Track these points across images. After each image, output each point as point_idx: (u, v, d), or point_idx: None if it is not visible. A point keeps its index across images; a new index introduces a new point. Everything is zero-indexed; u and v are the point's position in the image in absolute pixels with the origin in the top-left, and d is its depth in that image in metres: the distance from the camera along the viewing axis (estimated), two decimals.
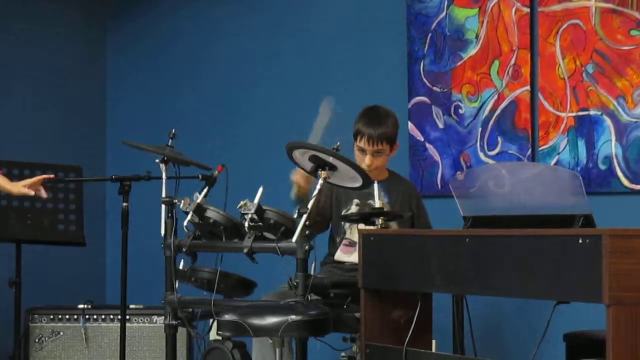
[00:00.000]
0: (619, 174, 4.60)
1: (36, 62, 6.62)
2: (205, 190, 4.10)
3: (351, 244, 4.43)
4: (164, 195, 4.18)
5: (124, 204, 4.69)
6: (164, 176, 4.23)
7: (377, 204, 4.03)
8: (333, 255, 4.48)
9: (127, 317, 5.01)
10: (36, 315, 5.46)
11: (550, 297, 3.22)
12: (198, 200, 4.03)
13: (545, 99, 4.84)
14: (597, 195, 4.53)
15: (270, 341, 3.87)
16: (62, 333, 5.45)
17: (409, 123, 5.34)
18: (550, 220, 3.35)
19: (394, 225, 4.26)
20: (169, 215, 4.16)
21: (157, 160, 4.27)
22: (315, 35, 5.90)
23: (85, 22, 6.95)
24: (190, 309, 4.16)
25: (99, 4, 7.00)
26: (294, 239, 3.80)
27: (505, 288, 3.35)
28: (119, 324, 4.97)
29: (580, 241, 3.04)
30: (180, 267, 4.18)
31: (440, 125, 5.24)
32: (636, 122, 4.55)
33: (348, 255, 4.43)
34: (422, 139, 5.30)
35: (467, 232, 3.53)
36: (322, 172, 3.91)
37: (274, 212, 3.88)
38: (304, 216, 3.78)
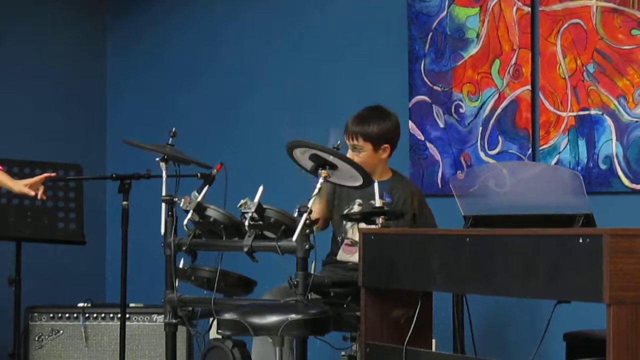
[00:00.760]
0: (620, 173, 4.59)
1: (36, 61, 6.62)
2: (204, 189, 4.10)
3: (353, 243, 4.42)
4: (164, 193, 4.18)
5: (124, 202, 4.69)
6: (164, 175, 4.23)
7: (378, 203, 4.03)
8: (335, 255, 4.48)
9: (127, 315, 5.02)
10: (36, 314, 5.45)
11: (550, 296, 3.22)
12: (198, 199, 4.02)
13: (546, 99, 4.84)
14: (598, 194, 4.53)
15: (270, 340, 3.87)
16: (61, 331, 5.44)
17: (410, 122, 5.34)
18: (551, 219, 3.35)
19: (392, 225, 4.25)
20: (169, 213, 4.16)
21: (157, 159, 4.27)
22: (316, 34, 5.90)
23: (85, 21, 6.94)
24: (190, 308, 4.16)
25: (99, 3, 7.00)
26: (294, 237, 3.80)
27: (506, 287, 3.35)
28: (118, 323, 4.97)
29: (580, 241, 3.04)
30: (180, 265, 4.18)
31: (441, 125, 5.23)
32: (637, 121, 4.55)
33: (350, 255, 4.43)
34: (423, 138, 5.30)
35: (467, 232, 3.53)
36: (323, 171, 3.91)
37: (274, 210, 3.88)
38: (304, 215, 3.78)
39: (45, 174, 4.59)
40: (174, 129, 4.37)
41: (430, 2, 5.27)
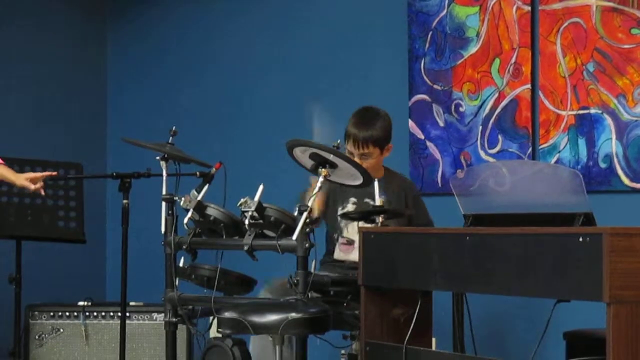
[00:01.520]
0: (620, 172, 4.60)
1: (37, 60, 6.62)
2: (204, 188, 4.10)
3: (349, 242, 4.44)
4: (164, 192, 4.18)
5: (125, 201, 4.69)
6: (164, 173, 4.23)
7: (377, 201, 4.03)
8: (332, 254, 4.48)
9: (127, 314, 5.02)
10: (36, 312, 5.46)
11: (550, 295, 3.22)
12: (198, 198, 4.03)
13: (546, 97, 4.84)
14: (598, 193, 4.53)
15: (270, 339, 3.87)
16: (62, 330, 5.45)
17: (410, 121, 5.34)
18: (551, 218, 3.35)
19: (391, 223, 4.25)
20: (169, 212, 4.16)
21: (157, 158, 4.27)
22: (316, 33, 5.90)
23: (86, 20, 6.95)
24: (191, 307, 4.16)
25: (99, 2, 7.00)
26: (294, 236, 3.80)
27: (506, 286, 3.35)
28: (119, 321, 4.97)
29: (580, 239, 3.04)
30: (181, 264, 4.18)
31: (441, 124, 5.24)
32: (636, 120, 4.55)
33: (347, 254, 4.44)
34: (423, 137, 5.30)
35: (467, 230, 3.53)
36: (323, 169, 3.91)
37: (274, 209, 3.88)
38: (305, 214, 3.79)
39: (47, 172, 4.60)
40: (174, 128, 4.37)
41: (430, 1, 5.27)
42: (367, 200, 4.39)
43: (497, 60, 5.02)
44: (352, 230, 4.42)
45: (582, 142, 4.72)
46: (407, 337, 3.67)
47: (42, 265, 6.23)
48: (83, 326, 5.43)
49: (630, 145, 4.56)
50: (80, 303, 5.47)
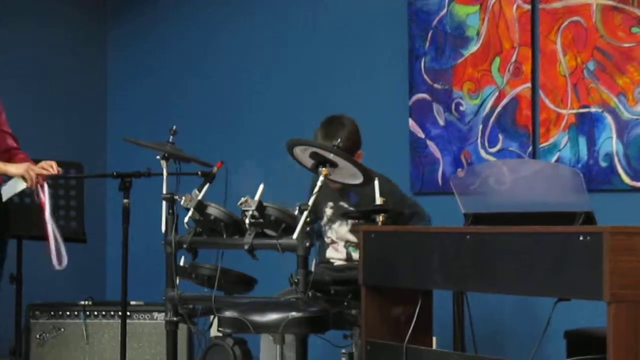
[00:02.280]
0: (620, 171, 4.60)
1: (37, 60, 6.62)
2: (204, 187, 4.10)
3: (333, 242, 4.48)
4: (164, 191, 4.18)
5: (125, 200, 4.69)
6: (164, 173, 4.23)
7: (378, 201, 4.03)
8: (320, 254, 4.52)
9: (128, 313, 5.02)
10: (37, 312, 5.46)
11: (551, 294, 3.22)
12: (199, 197, 4.03)
13: (546, 96, 4.84)
14: (598, 192, 4.53)
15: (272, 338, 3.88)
16: (62, 329, 5.45)
17: (410, 120, 5.34)
18: (551, 217, 3.35)
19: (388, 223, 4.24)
20: (170, 211, 4.16)
21: (157, 157, 4.27)
22: (316, 33, 5.90)
23: (86, 20, 6.95)
24: (191, 306, 4.16)
25: (100, 2, 7.00)
26: (295, 235, 3.80)
27: (506, 285, 3.35)
28: (119, 321, 4.97)
29: (581, 238, 3.04)
30: (181, 263, 4.18)
31: (441, 123, 5.24)
32: (637, 119, 4.55)
33: (337, 253, 4.48)
34: (423, 136, 5.30)
35: (467, 229, 3.53)
36: (323, 169, 3.91)
37: (274, 208, 3.88)
38: (305, 213, 3.79)
39: (50, 170, 4.61)
40: (174, 127, 4.37)
41: (431, 0, 5.27)
42: (341, 203, 4.43)
43: (498, 59, 5.02)
44: (333, 232, 4.46)
45: (582, 141, 4.72)
46: (407, 336, 3.67)
47: (42, 265, 6.21)
48: (84, 325, 5.44)
49: (631, 144, 4.56)
50: (81, 302, 5.47)
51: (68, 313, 5.46)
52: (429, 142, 5.28)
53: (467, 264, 3.40)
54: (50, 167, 4.59)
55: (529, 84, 4.90)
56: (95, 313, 5.46)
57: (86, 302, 5.47)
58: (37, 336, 5.44)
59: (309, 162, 3.99)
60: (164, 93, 6.67)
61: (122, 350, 4.82)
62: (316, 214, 4.48)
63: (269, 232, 3.95)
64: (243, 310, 3.70)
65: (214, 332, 4.32)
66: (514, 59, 4.95)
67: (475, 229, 3.53)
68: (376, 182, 4.05)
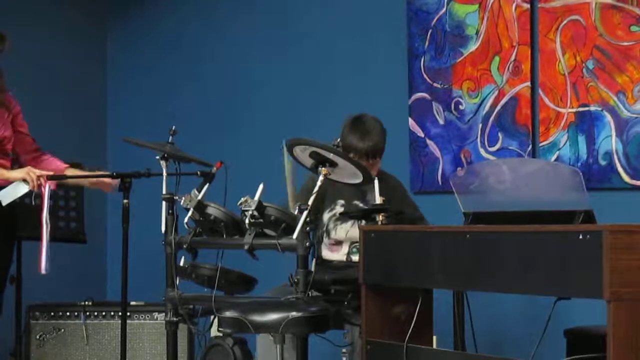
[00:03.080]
0: (620, 169, 4.60)
1: (37, 60, 6.62)
2: (204, 187, 4.10)
3: (337, 243, 4.46)
4: (164, 192, 4.18)
5: (125, 200, 4.68)
6: (164, 173, 4.23)
7: (378, 200, 4.03)
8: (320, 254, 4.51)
9: (128, 313, 5.02)
10: (37, 312, 5.46)
11: (550, 293, 3.22)
12: (198, 197, 4.03)
13: (546, 95, 4.84)
14: (598, 191, 4.53)
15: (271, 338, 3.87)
16: (62, 330, 5.45)
17: (410, 119, 5.34)
18: (551, 216, 3.35)
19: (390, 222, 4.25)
20: (170, 212, 4.16)
21: (157, 157, 4.27)
22: (316, 32, 5.90)
23: (86, 20, 6.95)
24: (191, 306, 4.16)
25: (99, 2, 7.00)
26: (295, 235, 3.80)
27: (506, 284, 3.35)
28: (119, 321, 4.96)
29: (580, 237, 3.04)
30: (181, 263, 4.18)
31: (441, 122, 5.24)
32: (636, 117, 4.55)
33: (335, 254, 4.47)
34: (423, 135, 5.30)
35: (467, 228, 3.53)
36: (323, 168, 3.91)
37: (274, 208, 3.88)
38: (305, 213, 3.79)
39: (47, 172, 4.62)
40: (173, 127, 4.37)
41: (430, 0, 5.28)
42: (355, 202, 4.41)
43: (497, 58, 5.02)
44: (340, 232, 4.45)
45: (582, 140, 4.72)
46: (407, 336, 3.67)
47: None
48: (84, 326, 5.44)
49: (630, 143, 4.56)
50: (81, 303, 5.47)
51: (68, 314, 5.46)
52: (428, 141, 5.28)
53: (467, 263, 3.40)
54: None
55: (528, 83, 4.90)
56: (96, 313, 5.46)
57: (86, 303, 5.47)
58: (37, 337, 5.44)
59: (309, 162, 3.99)
60: (163, 93, 6.67)
61: (122, 351, 4.82)
62: (316, 212, 4.48)
63: (268, 232, 3.96)
64: (243, 310, 3.70)
65: (214, 332, 4.32)
66: (513, 58, 4.95)
67: (475, 228, 3.53)
68: (376, 182, 4.05)
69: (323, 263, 4.46)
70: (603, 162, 4.64)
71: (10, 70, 6.23)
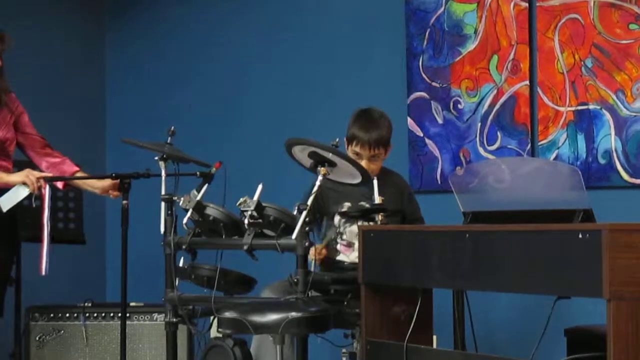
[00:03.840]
0: (619, 168, 4.60)
1: (35, 61, 6.61)
2: (203, 188, 4.10)
3: (349, 244, 4.45)
4: (163, 192, 4.18)
5: (124, 201, 4.68)
6: (163, 174, 4.23)
7: (377, 200, 4.03)
8: (332, 256, 4.48)
9: (128, 314, 5.01)
10: (36, 314, 5.45)
11: (550, 292, 3.22)
12: (197, 198, 4.02)
13: (545, 94, 4.84)
14: (597, 189, 4.53)
15: (271, 338, 3.87)
16: (62, 331, 5.45)
17: (408, 118, 5.34)
18: (550, 215, 3.35)
19: (390, 222, 4.25)
20: (169, 212, 4.16)
21: (156, 158, 4.27)
22: (314, 32, 5.90)
23: (84, 20, 6.94)
24: (191, 307, 4.15)
25: (97, 3, 6.99)
26: (294, 235, 3.79)
27: (506, 283, 3.34)
28: (119, 322, 4.95)
29: (580, 236, 3.04)
30: (180, 264, 4.18)
31: (440, 121, 5.23)
32: (635, 116, 4.55)
33: (347, 256, 4.45)
34: (422, 135, 5.30)
35: (467, 228, 3.53)
36: (322, 168, 3.91)
37: (273, 209, 3.87)
38: (304, 213, 3.78)
39: (45, 173, 4.62)
40: (172, 128, 4.36)
41: None
42: (362, 203, 4.41)
43: (495, 57, 5.02)
44: (350, 233, 4.44)
45: (581, 138, 4.72)
46: (407, 335, 3.67)
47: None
48: (83, 327, 5.43)
49: (630, 141, 4.56)
50: (81, 304, 5.47)
51: (68, 315, 5.45)
52: (427, 141, 5.28)
53: (467, 262, 3.40)
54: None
55: (527, 82, 4.90)
56: (95, 315, 5.45)
57: (86, 304, 5.46)
58: (37, 338, 5.43)
59: (308, 162, 3.99)
60: (162, 94, 6.66)
61: (122, 352, 4.81)
62: (321, 213, 4.48)
63: (268, 232, 3.95)
64: (243, 311, 3.70)
65: (213, 333, 4.31)
66: (511, 56, 4.95)
67: (474, 227, 3.52)
68: (375, 182, 4.05)
69: (334, 264, 4.45)
70: (602, 161, 4.64)
71: (9, 71, 6.23)
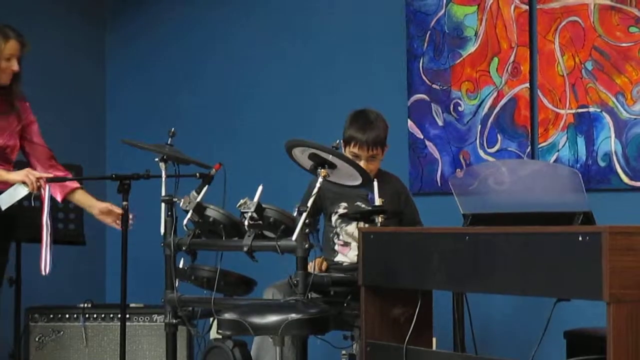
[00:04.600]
0: (619, 170, 4.60)
1: (35, 61, 6.60)
2: (203, 189, 4.10)
3: (346, 244, 4.46)
4: (163, 193, 4.18)
5: (124, 202, 4.68)
6: (163, 175, 4.23)
7: (377, 201, 4.03)
8: (329, 256, 4.49)
9: (127, 316, 5.01)
10: (36, 315, 5.45)
11: (550, 294, 3.22)
12: (197, 199, 4.03)
13: (545, 96, 4.84)
14: (597, 192, 4.53)
15: (270, 339, 3.87)
16: (62, 332, 5.45)
17: (409, 121, 5.34)
18: (550, 217, 3.35)
19: (390, 224, 4.25)
20: (169, 213, 4.16)
21: (156, 159, 4.27)
22: (315, 33, 5.90)
23: (84, 21, 6.94)
24: (191, 308, 4.16)
25: (98, 3, 6.99)
26: (294, 237, 3.80)
27: (505, 285, 3.34)
28: (119, 323, 4.96)
29: (580, 238, 3.04)
30: (180, 265, 4.18)
31: (440, 123, 5.24)
32: (635, 118, 4.55)
33: (345, 255, 4.46)
34: (422, 137, 5.30)
35: (466, 230, 3.53)
36: (322, 170, 3.91)
37: (273, 210, 3.88)
38: (304, 214, 3.78)
39: (50, 175, 4.63)
40: (173, 129, 4.37)
41: (428, 1, 5.27)
42: (358, 203, 4.41)
43: (496, 60, 5.02)
44: (347, 233, 4.45)
45: (581, 141, 4.72)
46: (407, 337, 3.67)
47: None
48: (83, 328, 5.43)
49: (629, 144, 4.56)
50: (80, 305, 5.47)
51: (67, 316, 5.45)
52: (427, 143, 5.28)
53: (467, 264, 3.40)
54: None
55: (527, 84, 4.90)
56: (95, 316, 5.46)
57: (85, 305, 5.47)
58: (37, 339, 5.44)
59: (308, 164, 3.99)
60: (163, 95, 6.67)
61: (121, 353, 4.81)
62: (315, 213, 4.48)
63: (268, 233, 3.95)
64: (243, 312, 3.70)
65: (213, 334, 4.32)
66: (512, 59, 4.96)
67: (474, 229, 3.53)
68: (375, 183, 4.05)
69: (333, 265, 4.45)
70: (602, 163, 4.64)
71: None
